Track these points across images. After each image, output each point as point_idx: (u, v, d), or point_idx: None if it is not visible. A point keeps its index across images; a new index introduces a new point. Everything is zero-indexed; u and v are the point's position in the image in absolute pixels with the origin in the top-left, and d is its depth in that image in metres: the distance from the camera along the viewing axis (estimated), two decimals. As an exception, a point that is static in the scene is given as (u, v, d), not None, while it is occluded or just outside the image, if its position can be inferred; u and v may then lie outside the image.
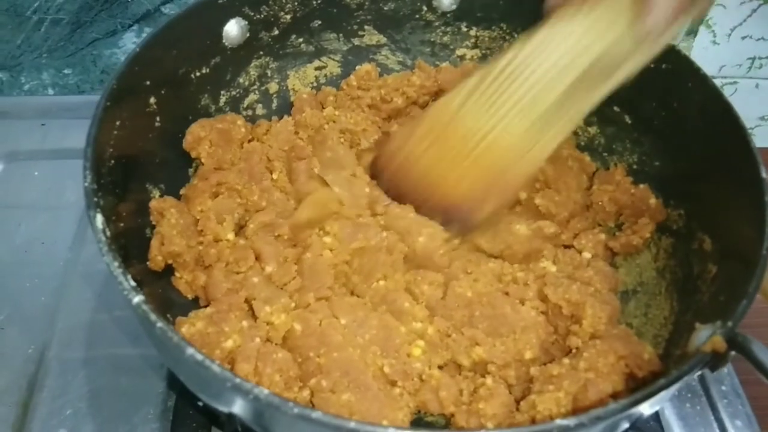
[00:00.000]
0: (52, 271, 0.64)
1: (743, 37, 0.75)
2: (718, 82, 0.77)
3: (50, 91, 0.83)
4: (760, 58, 0.77)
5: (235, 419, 0.42)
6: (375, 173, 0.61)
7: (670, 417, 0.57)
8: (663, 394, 0.38)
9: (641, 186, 0.60)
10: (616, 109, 0.61)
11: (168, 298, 0.53)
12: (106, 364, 0.58)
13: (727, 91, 0.79)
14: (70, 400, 0.55)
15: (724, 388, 0.59)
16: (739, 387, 0.59)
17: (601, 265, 0.56)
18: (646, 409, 0.40)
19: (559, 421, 0.35)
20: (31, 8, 0.76)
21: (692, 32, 0.75)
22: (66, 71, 0.82)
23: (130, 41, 0.80)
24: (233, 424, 0.42)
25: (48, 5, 0.76)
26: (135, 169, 0.52)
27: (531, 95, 0.51)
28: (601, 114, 0.61)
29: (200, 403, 0.54)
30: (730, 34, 0.75)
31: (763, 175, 0.47)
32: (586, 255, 0.58)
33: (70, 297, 0.62)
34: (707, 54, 0.76)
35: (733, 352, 0.40)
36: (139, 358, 0.58)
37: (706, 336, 0.41)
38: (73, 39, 0.79)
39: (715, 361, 0.40)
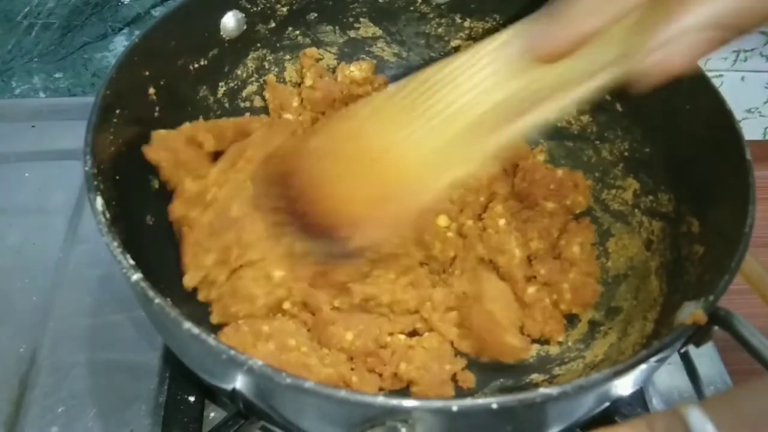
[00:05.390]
0: (44, 271, 0.64)
1: (728, 31, 0.75)
2: (703, 75, 0.79)
3: (41, 95, 0.83)
4: (745, 51, 0.77)
5: (237, 398, 0.42)
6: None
7: (658, 405, 0.57)
8: (644, 366, 0.39)
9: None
10: (607, 97, 0.62)
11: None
12: (98, 362, 0.58)
13: (712, 85, 0.81)
14: (62, 398, 0.55)
15: (710, 373, 0.59)
16: (725, 374, 0.59)
17: None
18: (629, 381, 0.41)
19: (542, 390, 0.36)
20: (21, 13, 0.76)
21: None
22: (57, 75, 0.81)
23: (121, 45, 0.80)
24: (236, 402, 0.42)
25: (38, 10, 0.76)
26: (135, 158, 0.52)
27: (446, 113, 0.44)
28: (593, 102, 0.61)
29: (191, 399, 0.55)
30: (714, 28, 0.75)
31: (748, 156, 0.48)
32: None
33: (62, 297, 0.62)
34: (693, 48, 0.77)
35: (716, 327, 0.41)
36: (130, 356, 0.58)
37: (689, 312, 0.42)
38: (64, 43, 0.79)
39: (698, 335, 0.42)
